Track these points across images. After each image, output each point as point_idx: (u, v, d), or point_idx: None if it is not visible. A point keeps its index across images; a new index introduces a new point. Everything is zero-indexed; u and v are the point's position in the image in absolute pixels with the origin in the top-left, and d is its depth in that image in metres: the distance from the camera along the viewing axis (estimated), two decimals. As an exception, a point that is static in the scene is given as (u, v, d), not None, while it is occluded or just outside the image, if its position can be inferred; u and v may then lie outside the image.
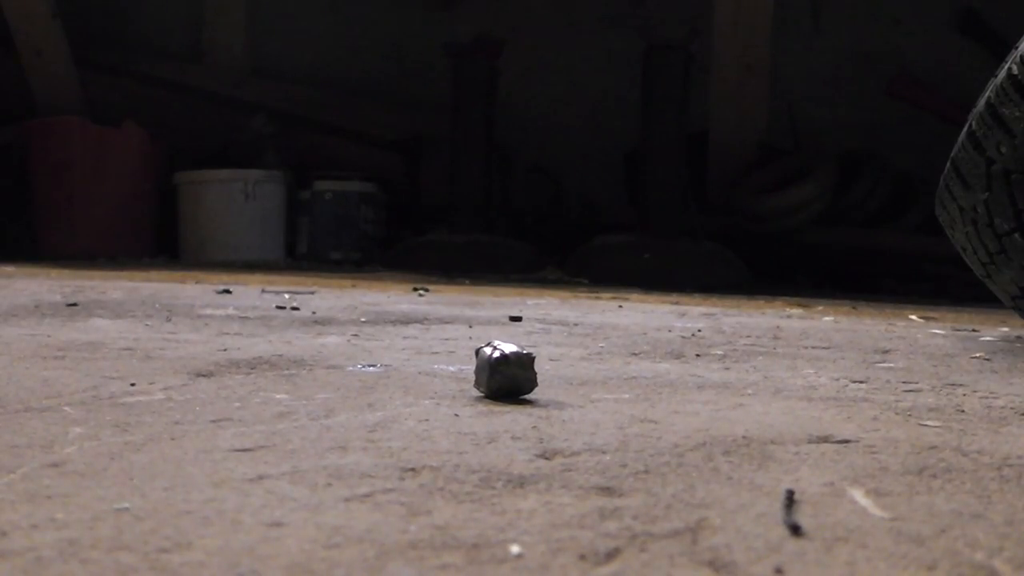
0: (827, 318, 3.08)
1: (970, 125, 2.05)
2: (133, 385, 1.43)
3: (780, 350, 2.10)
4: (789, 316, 3.13)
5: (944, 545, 0.78)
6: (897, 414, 1.35)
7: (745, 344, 2.20)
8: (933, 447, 1.13)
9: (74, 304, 2.68)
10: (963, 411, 1.39)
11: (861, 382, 1.66)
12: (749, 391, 1.52)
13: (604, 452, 1.07)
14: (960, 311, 3.57)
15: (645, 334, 2.35)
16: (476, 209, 5.60)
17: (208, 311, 2.62)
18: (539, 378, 1.43)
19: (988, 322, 3.05)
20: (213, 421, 1.19)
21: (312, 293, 3.38)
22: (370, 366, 1.68)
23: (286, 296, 3.19)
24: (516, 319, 2.62)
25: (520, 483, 0.94)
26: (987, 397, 1.52)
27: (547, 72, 6.50)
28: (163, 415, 1.22)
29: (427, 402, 1.36)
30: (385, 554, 0.73)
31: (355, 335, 2.16)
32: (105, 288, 3.27)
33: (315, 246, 5.80)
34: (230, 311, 2.64)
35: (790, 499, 0.88)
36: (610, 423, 1.23)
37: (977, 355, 2.10)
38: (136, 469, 0.96)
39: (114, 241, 5.65)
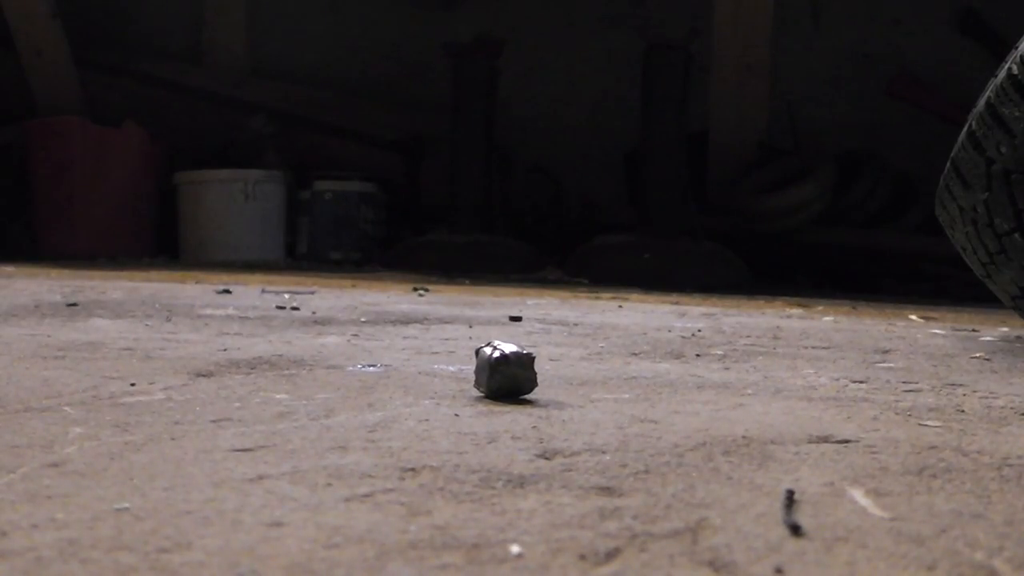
0: (827, 318, 3.08)
1: (970, 125, 2.05)
2: (133, 385, 1.43)
3: (780, 350, 2.10)
4: (789, 316, 3.13)
5: (944, 545, 0.78)
6: (897, 414, 1.35)
7: (745, 344, 2.20)
8: (933, 447, 1.13)
9: (74, 304, 2.68)
10: (963, 411, 1.39)
11: (861, 382, 1.66)
12: (749, 391, 1.52)
13: (604, 452, 1.07)
14: (960, 311, 3.57)
15: (645, 334, 2.35)
16: (476, 209, 5.60)
17: (208, 311, 2.62)
18: (539, 378, 1.43)
19: (988, 322, 3.05)
20: (213, 421, 1.19)
21: (312, 293, 3.38)
22: (370, 366, 1.68)
23: (286, 296, 3.19)
24: (516, 319, 2.62)
25: (520, 483, 0.94)
26: (987, 397, 1.52)
27: (547, 72, 6.50)
28: (163, 415, 1.22)
29: (427, 402, 1.36)
30: (385, 554, 0.73)
31: (355, 335, 2.16)
32: (105, 288, 3.27)
33: (315, 246, 5.81)
34: (230, 311, 2.64)
35: (790, 499, 0.88)
36: (610, 423, 1.23)
37: (977, 355, 2.10)
38: (136, 469, 0.96)
39: (114, 241, 5.65)
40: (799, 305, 3.67)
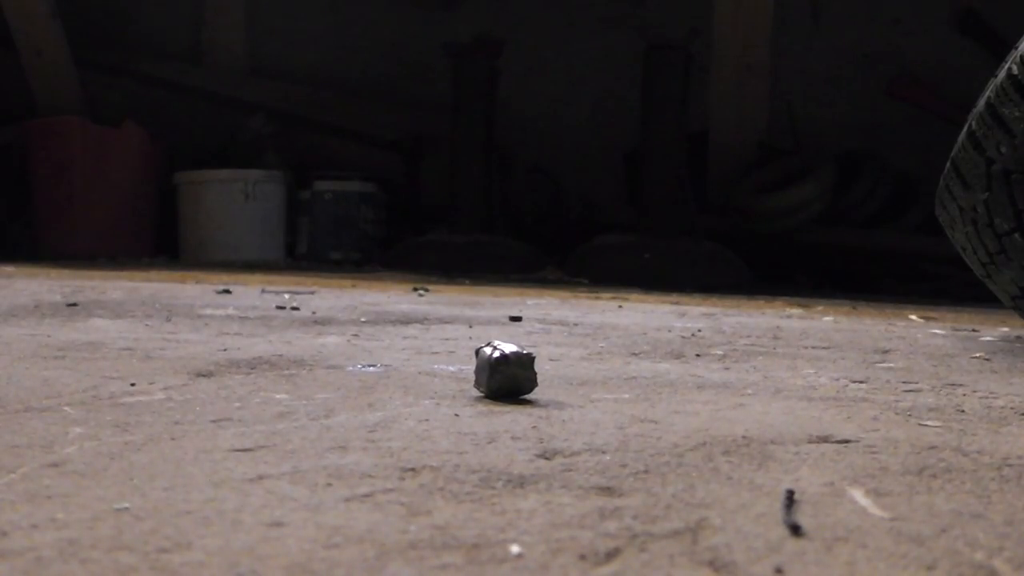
0: (827, 318, 3.08)
1: (970, 125, 2.05)
2: (133, 385, 1.43)
3: (780, 350, 2.10)
4: (789, 316, 3.13)
5: (944, 545, 0.78)
6: (897, 414, 1.35)
7: (745, 344, 2.20)
8: (933, 447, 1.13)
9: (74, 304, 2.68)
10: (963, 411, 1.39)
11: (861, 382, 1.66)
12: (749, 391, 1.52)
13: (604, 452, 1.07)
14: (960, 311, 3.57)
15: (645, 334, 2.35)
16: (476, 209, 5.60)
17: (208, 311, 2.62)
18: (539, 378, 1.43)
19: (988, 322, 3.05)
20: (213, 421, 1.19)
21: (312, 293, 3.38)
22: (370, 366, 1.68)
23: (286, 296, 3.19)
24: (516, 319, 2.62)
25: (520, 483, 0.94)
26: (987, 397, 1.52)
27: (547, 72, 6.50)
28: (163, 415, 1.22)
29: (427, 402, 1.36)
30: (385, 554, 0.73)
31: (355, 335, 2.16)
32: (105, 288, 3.27)
33: (315, 246, 5.81)
34: (230, 311, 2.64)
35: (790, 499, 0.88)
36: (610, 423, 1.23)
37: (977, 355, 2.10)
38: (136, 469, 0.96)
39: (114, 241, 5.66)
40: (799, 305, 3.67)
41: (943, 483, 0.97)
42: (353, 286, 3.87)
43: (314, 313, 2.64)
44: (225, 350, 1.84)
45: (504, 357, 1.37)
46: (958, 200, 2.12)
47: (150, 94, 6.26)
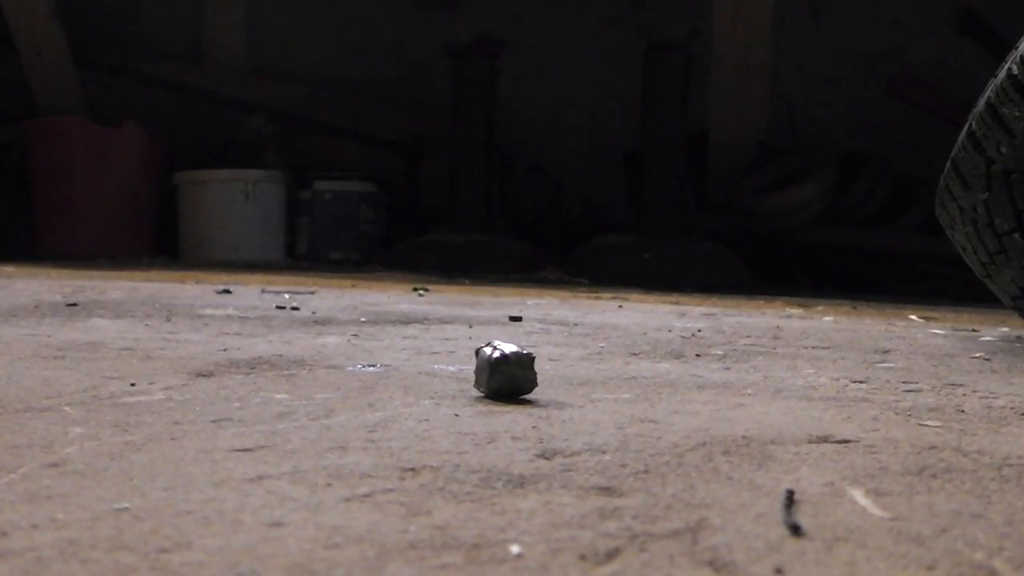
0: (827, 318, 3.08)
1: (970, 125, 2.05)
2: (133, 385, 1.43)
3: (780, 350, 2.10)
4: (789, 316, 3.13)
5: (944, 545, 0.78)
6: (897, 414, 1.35)
7: (745, 344, 2.20)
8: (933, 447, 1.13)
9: (74, 304, 2.68)
10: (963, 411, 1.39)
11: (861, 382, 1.66)
12: (749, 391, 1.52)
13: (604, 452, 1.07)
14: (960, 311, 3.57)
15: (645, 334, 2.35)
16: (476, 209, 5.60)
17: (208, 311, 2.62)
18: (539, 378, 1.43)
19: (988, 322, 3.05)
20: (213, 421, 1.19)
21: (312, 293, 3.38)
22: (370, 366, 1.68)
23: (286, 296, 3.19)
24: (516, 319, 2.62)
25: (520, 483, 0.94)
26: (987, 397, 1.52)
27: (547, 72, 6.50)
28: (163, 415, 1.22)
29: (427, 402, 1.36)
30: (385, 554, 0.73)
31: (355, 335, 2.16)
32: (105, 288, 3.27)
33: (315, 246, 5.81)
34: (230, 311, 2.64)
35: (790, 499, 0.88)
36: (610, 423, 1.23)
37: (977, 355, 2.10)
38: (136, 469, 0.96)
39: (114, 241, 5.66)
40: (799, 305, 3.67)
41: (943, 483, 0.97)
42: (353, 286, 3.87)
43: (314, 313, 2.64)
44: (225, 350, 1.84)
45: (504, 357, 1.37)
46: (958, 200, 2.12)
47: (150, 94, 6.25)
